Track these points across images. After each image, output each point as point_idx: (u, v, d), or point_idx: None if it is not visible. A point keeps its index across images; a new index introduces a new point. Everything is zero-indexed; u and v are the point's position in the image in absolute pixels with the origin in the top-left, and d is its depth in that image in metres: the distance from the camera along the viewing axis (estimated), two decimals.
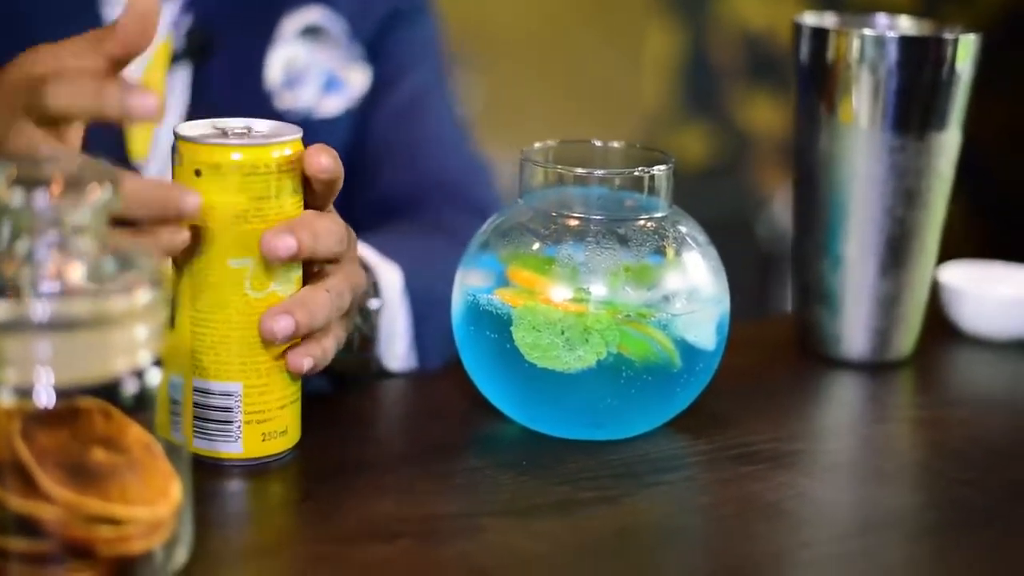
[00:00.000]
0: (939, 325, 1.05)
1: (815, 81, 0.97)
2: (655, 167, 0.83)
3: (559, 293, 0.80)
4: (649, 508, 0.77)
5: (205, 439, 0.77)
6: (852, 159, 0.96)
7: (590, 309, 0.80)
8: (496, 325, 0.81)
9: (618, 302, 0.80)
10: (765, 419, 0.89)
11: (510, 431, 0.85)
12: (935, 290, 1.03)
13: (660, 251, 0.82)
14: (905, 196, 0.96)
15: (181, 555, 0.65)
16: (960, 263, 1.10)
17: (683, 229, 0.84)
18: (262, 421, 0.77)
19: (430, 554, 0.70)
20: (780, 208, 2.70)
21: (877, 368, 0.99)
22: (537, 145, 0.86)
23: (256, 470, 0.77)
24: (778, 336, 1.04)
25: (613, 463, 0.81)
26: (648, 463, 0.82)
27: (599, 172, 0.83)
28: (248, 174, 0.74)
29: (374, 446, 0.83)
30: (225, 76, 1.10)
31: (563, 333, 0.80)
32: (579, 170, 0.83)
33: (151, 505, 0.62)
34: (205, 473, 0.74)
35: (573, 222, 0.82)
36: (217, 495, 0.74)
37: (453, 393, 0.90)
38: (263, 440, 0.77)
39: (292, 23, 1.13)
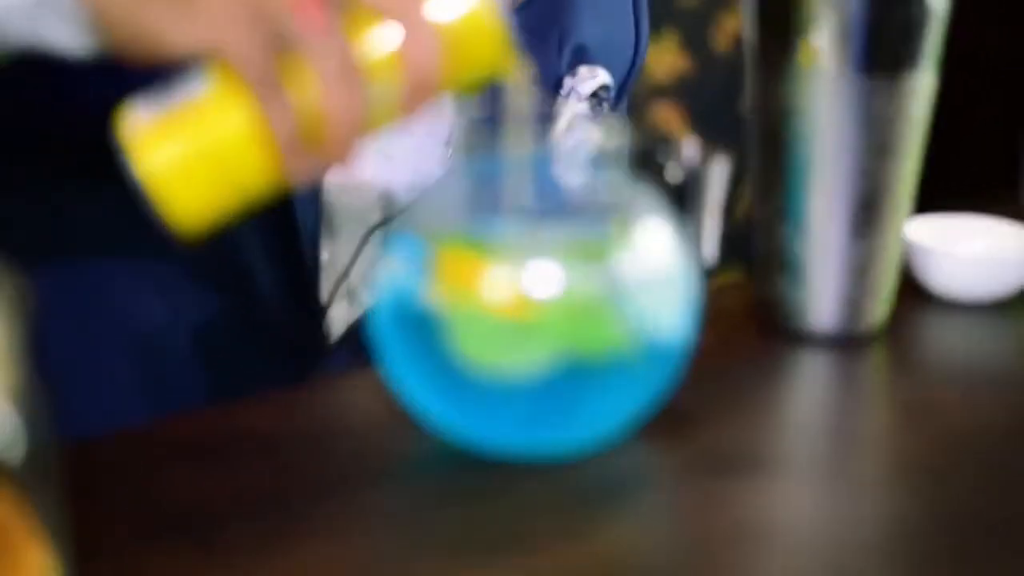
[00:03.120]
0: (907, 288, 0.92)
1: (768, 19, 0.84)
2: (607, 128, 0.70)
3: (498, 282, 0.67)
4: (623, 540, 0.64)
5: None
6: (815, 108, 0.83)
7: (537, 299, 0.67)
8: (424, 324, 0.68)
9: (570, 289, 0.67)
10: (737, 415, 0.76)
11: (443, 451, 0.71)
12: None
13: (615, 224, 0.69)
14: (876, 148, 0.83)
15: None
16: (925, 217, 0.97)
17: (642, 198, 0.71)
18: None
19: None
20: (688, 146, 2.61)
21: (848, 342, 0.86)
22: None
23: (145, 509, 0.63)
24: (732, 307, 0.91)
25: (571, 484, 0.68)
26: (613, 481, 0.69)
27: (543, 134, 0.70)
28: None
29: (283, 476, 0.69)
30: None
31: (505, 331, 0.67)
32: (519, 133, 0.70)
33: None
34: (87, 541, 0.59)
35: (511, 195, 0.69)
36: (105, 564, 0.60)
37: (370, 406, 0.76)
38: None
39: None
